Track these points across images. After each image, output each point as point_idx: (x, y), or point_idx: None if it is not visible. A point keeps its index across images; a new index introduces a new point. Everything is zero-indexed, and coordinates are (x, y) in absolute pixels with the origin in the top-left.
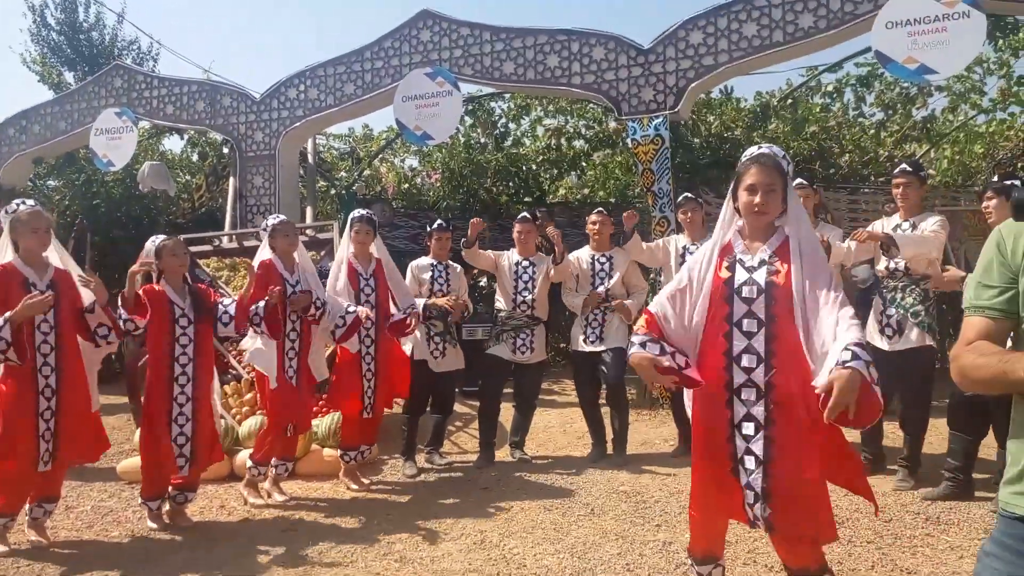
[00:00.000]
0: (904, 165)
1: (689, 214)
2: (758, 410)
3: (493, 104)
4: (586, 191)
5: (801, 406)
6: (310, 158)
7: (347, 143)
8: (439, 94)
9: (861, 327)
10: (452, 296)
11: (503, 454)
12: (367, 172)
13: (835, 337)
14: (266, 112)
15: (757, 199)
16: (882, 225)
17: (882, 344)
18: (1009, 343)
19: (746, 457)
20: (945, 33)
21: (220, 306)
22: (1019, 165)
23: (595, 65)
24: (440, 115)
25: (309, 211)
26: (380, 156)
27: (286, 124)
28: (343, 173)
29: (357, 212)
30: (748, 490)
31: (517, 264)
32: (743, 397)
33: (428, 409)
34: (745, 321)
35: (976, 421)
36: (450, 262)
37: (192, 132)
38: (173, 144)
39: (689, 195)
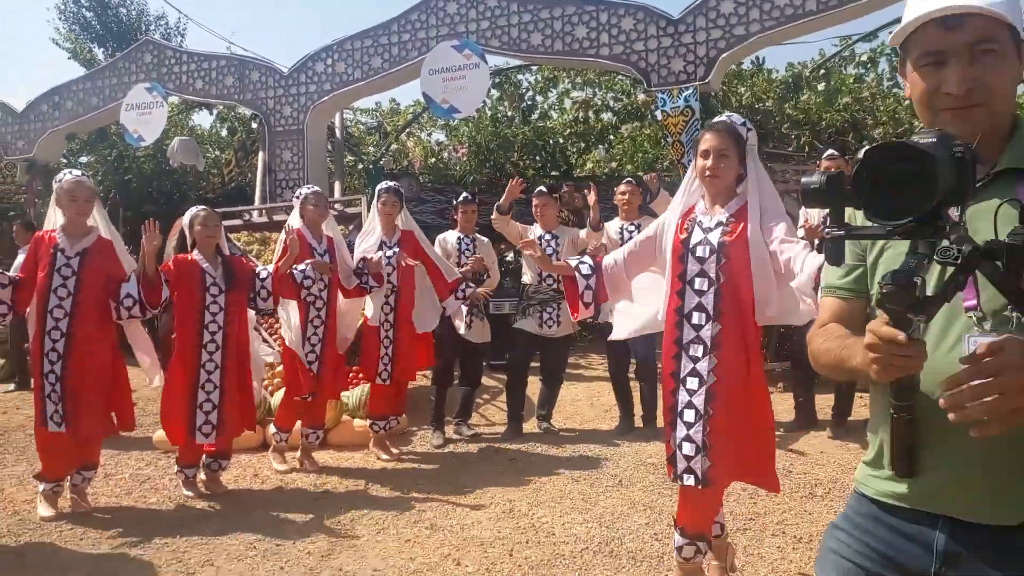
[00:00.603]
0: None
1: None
2: (703, 366)
3: (520, 77)
4: (614, 164)
5: (745, 363)
6: (338, 133)
7: (374, 117)
8: (466, 67)
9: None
10: (475, 257)
11: (531, 427)
12: (394, 146)
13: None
14: (294, 86)
15: (709, 163)
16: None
17: None
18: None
19: (685, 411)
20: None
21: (258, 281)
22: None
23: (624, 36)
24: (467, 88)
25: (337, 186)
26: (407, 130)
27: (314, 98)
28: (371, 148)
29: (384, 183)
30: (687, 443)
31: (540, 238)
32: (691, 353)
33: (456, 382)
34: (697, 280)
35: None
36: (478, 235)
37: (221, 107)
38: (202, 119)
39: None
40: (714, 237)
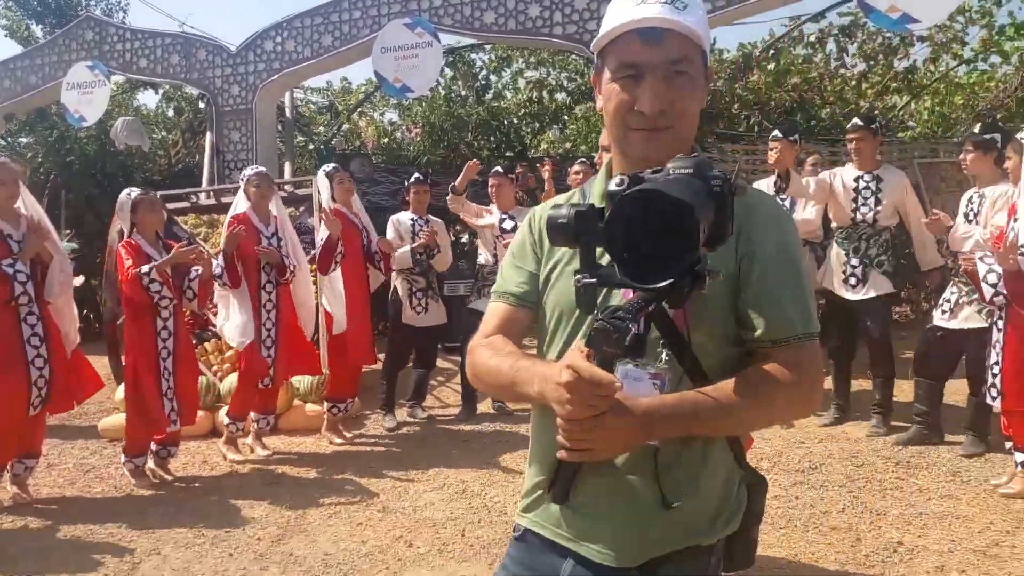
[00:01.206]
0: (856, 119)
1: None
2: None
3: (474, 56)
4: (568, 145)
5: None
6: (288, 112)
7: (325, 97)
8: (418, 45)
9: None
10: (428, 230)
11: (485, 407)
12: (346, 126)
13: None
14: (242, 65)
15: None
16: (832, 175)
17: (846, 294)
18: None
19: None
20: None
21: (187, 280)
22: (999, 116)
23: (577, 15)
24: (420, 67)
25: (287, 166)
26: (359, 110)
27: (263, 77)
28: (321, 128)
29: (330, 165)
30: None
31: (500, 221)
32: None
33: (411, 364)
34: None
35: (939, 366)
36: (431, 216)
37: (167, 87)
38: (148, 99)
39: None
40: None
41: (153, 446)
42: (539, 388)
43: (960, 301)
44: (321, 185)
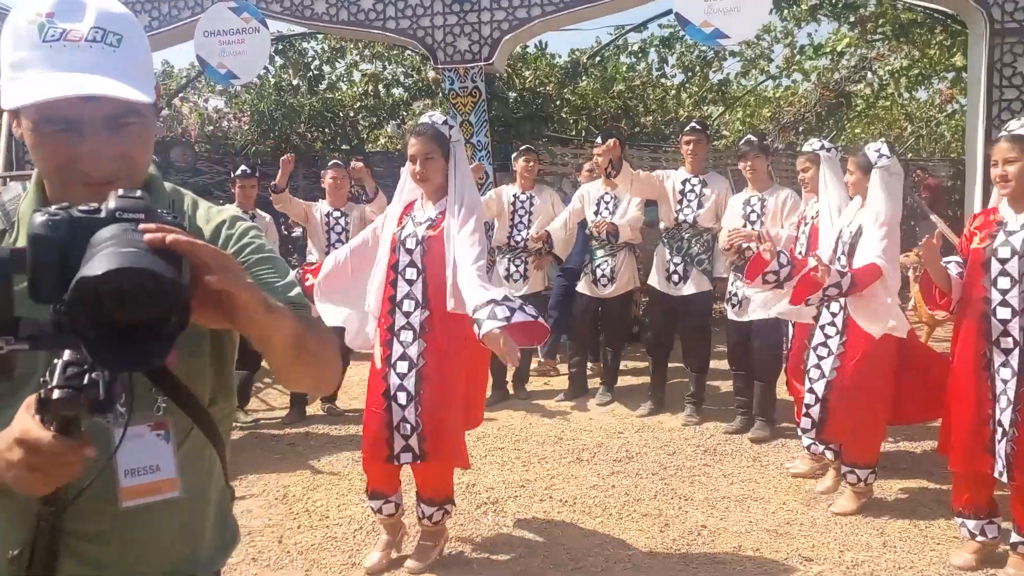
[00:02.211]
0: (694, 123)
1: (531, 163)
2: (413, 350)
3: (306, 45)
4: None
5: (450, 346)
6: None
7: None
8: (245, 30)
9: (486, 276)
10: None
11: (314, 408)
12: (165, 112)
13: (471, 291)
14: None
15: (417, 168)
16: (665, 176)
17: (667, 290)
18: None
19: (398, 393)
20: (738, 0)
21: None
22: (800, 129)
23: (410, 10)
24: (246, 53)
25: None
26: (181, 95)
27: None
28: None
29: None
30: (404, 423)
31: (328, 215)
32: (401, 339)
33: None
34: (407, 269)
35: (747, 358)
36: (258, 211)
37: None
38: None
39: (529, 147)
40: (421, 231)
41: None
42: None
43: (746, 295)
44: None
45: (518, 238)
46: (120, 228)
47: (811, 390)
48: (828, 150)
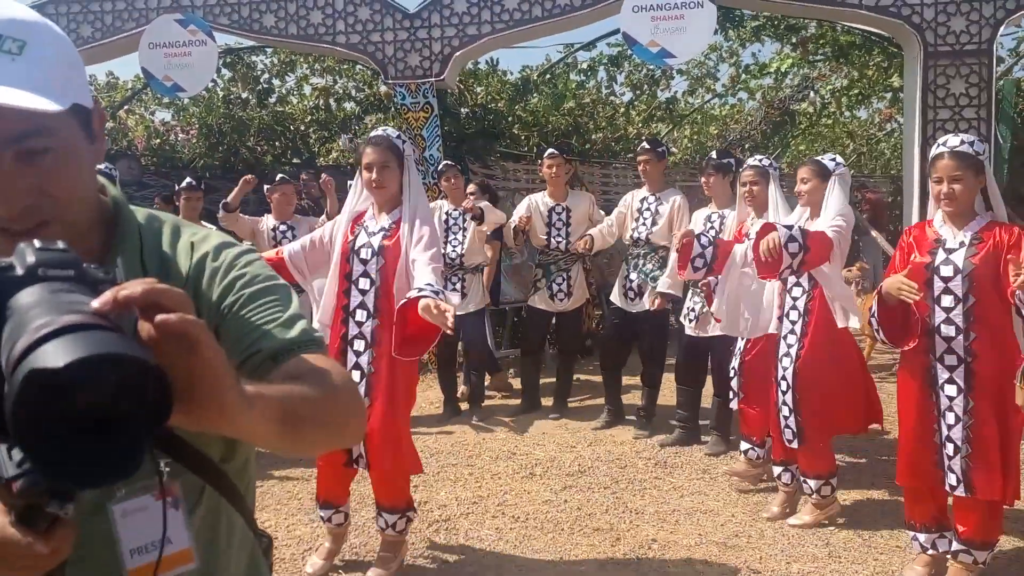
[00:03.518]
0: (645, 143)
1: (452, 180)
2: (364, 359)
3: (255, 58)
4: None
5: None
6: None
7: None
8: (191, 43)
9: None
10: None
11: None
12: (110, 124)
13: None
14: None
15: (374, 176)
16: (632, 197)
17: (624, 306)
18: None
19: None
20: (683, 20)
21: None
22: (746, 145)
23: (360, 25)
24: (193, 66)
25: None
26: (126, 107)
27: None
28: None
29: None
30: None
31: (275, 229)
32: (355, 347)
33: None
34: (361, 280)
35: (695, 374)
36: (204, 223)
37: None
38: None
39: (450, 162)
40: (376, 240)
41: None
42: None
43: (703, 310)
44: None
45: (452, 254)
46: (48, 290)
47: (784, 402)
48: (774, 168)
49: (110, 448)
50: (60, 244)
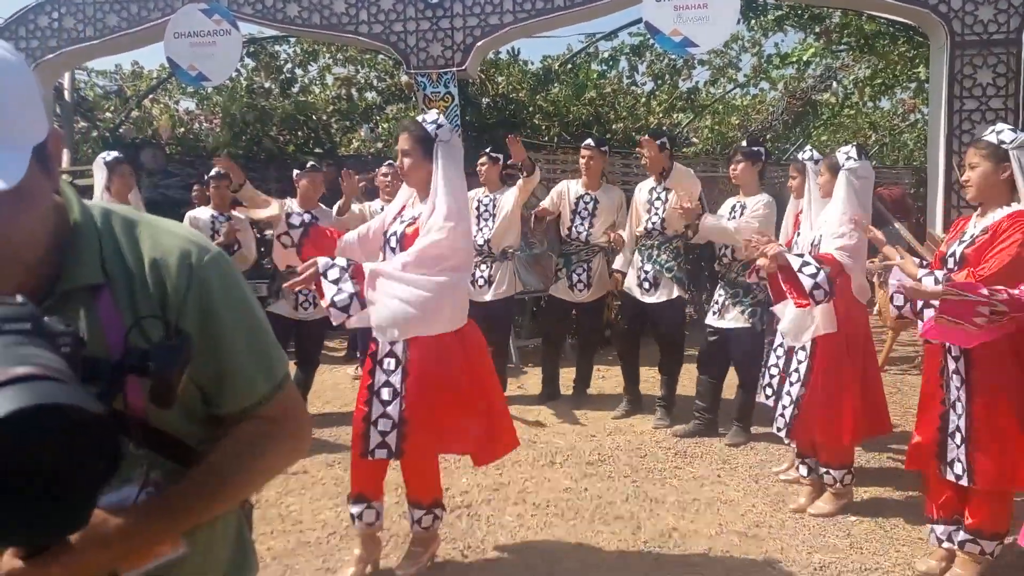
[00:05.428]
0: (646, 136)
1: (484, 168)
2: (399, 347)
3: (278, 48)
4: (380, 145)
5: (446, 343)
6: (67, 95)
7: (113, 80)
8: (216, 32)
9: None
10: (228, 224)
11: None
12: (135, 113)
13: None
14: (11, 41)
15: (399, 163)
16: (640, 190)
17: (640, 296)
18: None
19: (383, 389)
20: (706, 9)
21: None
22: (768, 136)
23: (383, 15)
24: (217, 55)
25: (66, 154)
26: (151, 96)
27: (36, 55)
28: (108, 113)
29: (111, 154)
30: (383, 419)
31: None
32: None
33: None
34: None
35: (717, 364)
36: (234, 212)
37: None
38: None
39: (488, 151)
40: (400, 229)
41: None
42: None
43: (726, 303)
44: (97, 174)
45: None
46: (1, 344)
47: (788, 392)
48: (816, 162)
49: (56, 504)
50: (19, 298)
